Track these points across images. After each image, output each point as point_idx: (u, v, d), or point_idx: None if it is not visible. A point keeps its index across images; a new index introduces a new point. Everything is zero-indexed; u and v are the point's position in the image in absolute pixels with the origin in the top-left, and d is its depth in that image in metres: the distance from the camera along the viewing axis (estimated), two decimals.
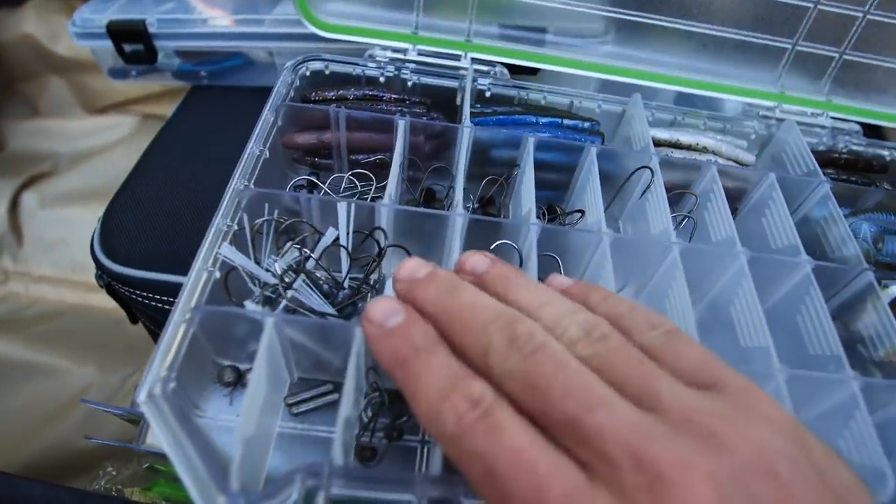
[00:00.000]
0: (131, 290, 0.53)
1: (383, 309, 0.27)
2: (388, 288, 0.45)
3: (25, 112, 0.93)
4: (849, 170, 0.55)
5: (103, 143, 0.92)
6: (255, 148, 0.44)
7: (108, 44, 0.62)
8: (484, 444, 0.21)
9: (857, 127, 0.57)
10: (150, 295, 0.53)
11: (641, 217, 0.47)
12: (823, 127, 0.57)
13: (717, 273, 0.43)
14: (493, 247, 0.41)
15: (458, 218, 0.39)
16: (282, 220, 0.40)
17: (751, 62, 0.56)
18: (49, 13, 0.85)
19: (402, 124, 0.45)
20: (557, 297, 0.26)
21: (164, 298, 0.53)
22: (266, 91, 0.49)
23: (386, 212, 0.40)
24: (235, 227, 0.40)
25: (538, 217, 0.48)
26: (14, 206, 0.84)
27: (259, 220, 0.40)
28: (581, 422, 0.20)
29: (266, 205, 0.40)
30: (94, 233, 0.55)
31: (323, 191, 0.48)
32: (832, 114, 0.57)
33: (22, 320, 0.76)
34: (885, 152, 0.57)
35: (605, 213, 0.47)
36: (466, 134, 0.45)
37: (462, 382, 0.23)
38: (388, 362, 0.26)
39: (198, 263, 0.37)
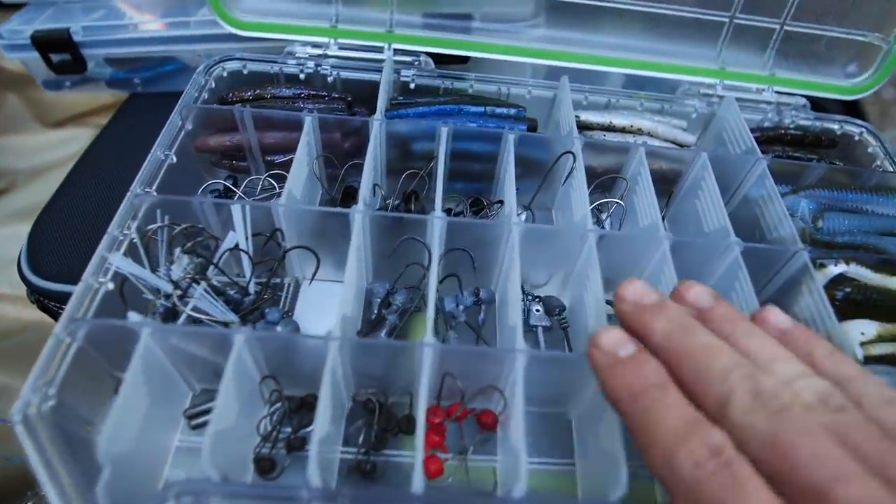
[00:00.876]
0: (58, 305, 0.52)
1: (614, 338, 0.27)
2: (302, 298, 0.43)
3: None
4: (796, 146, 0.53)
5: (60, 158, 0.91)
6: (158, 152, 0.43)
7: (36, 55, 0.61)
8: (723, 495, 0.20)
9: (804, 101, 0.55)
10: None
11: (566, 204, 0.45)
12: (769, 102, 0.55)
13: (644, 260, 0.41)
14: (398, 242, 0.39)
15: (358, 216, 0.37)
16: (175, 226, 0.38)
17: (689, 38, 0.54)
18: None
19: (308, 121, 0.43)
20: (786, 353, 0.25)
21: None
22: None
23: (283, 212, 0.38)
24: (133, 236, 0.38)
25: (462, 210, 0.46)
26: None
27: (151, 227, 0.38)
28: (829, 493, 0.19)
29: (158, 211, 0.38)
30: (20, 249, 0.54)
31: (237, 195, 0.46)
32: (777, 88, 0.55)
33: None
34: (835, 126, 0.54)
35: (536, 202, 0.46)
36: (377, 127, 0.43)
37: (701, 427, 0.22)
38: (618, 393, 0.25)
39: (86, 275, 0.36)
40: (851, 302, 0.39)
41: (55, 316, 0.56)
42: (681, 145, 0.51)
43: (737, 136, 0.50)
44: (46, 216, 0.56)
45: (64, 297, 0.51)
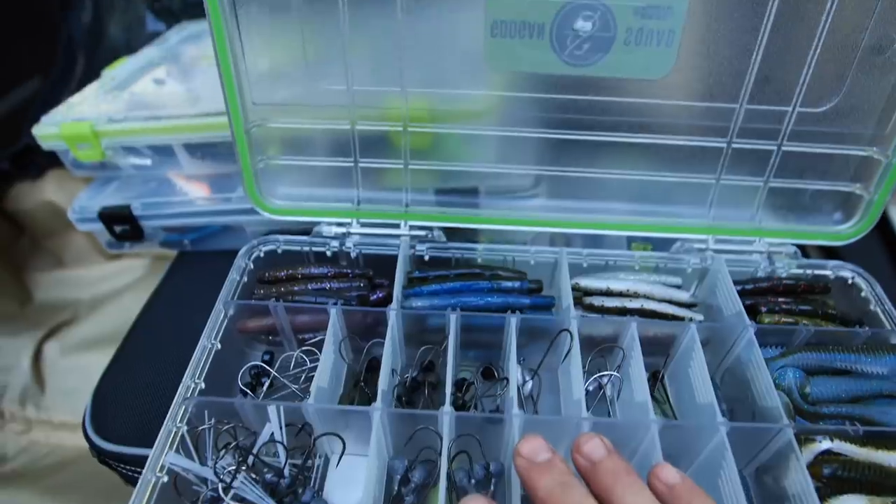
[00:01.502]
0: (117, 464, 0.58)
1: (532, 446, 0.33)
2: (330, 477, 0.48)
3: (51, 264, 1.03)
4: (790, 295, 0.56)
5: (117, 288, 1.00)
6: (206, 342, 0.49)
7: (102, 226, 0.70)
8: None
9: (793, 249, 0.58)
10: (138, 469, 0.58)
11: (567, 378, 0.49)
12: (760, 252, 0.58)
13: (634, 440, 0.44)
14: (412, 433, 0.44)
15: (376, 413, 0.43)
16: (220, 426, 0.44)
17: (680, 200, 0.59)
18: (64, 181, 0.95)
19: (333, 313, 0.49)
20: None
21: None
22: None
23: (312, 410, 0.44)
24: (184, 431, 0.44)
25: (473, 380, 0.51)
26: (37, 356, 0.92)
27: (200, 428, 0.44)
28: None
29: (206, 411, 0.44)
30: (85, 409, 0.61)
31: (271, 376, 0.52)
32: (767, 239, 0.58)
33: (39, 470, 0.82)
34: (827, 272, 0.58)
35: (545, 365, 0.50)
36: (393, 317, 0.49)
37: None
38: (535, 491, 0.32)
39: (146, 471, 0.42)
40: (838, 479, 0.42)
41: (113, 468, 0.63)
42: (677, 304, 0.54)
43: (727, 295, 0.53)
44: (109, 378, 0.63)
45: (124, 458, 0.57)
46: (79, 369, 0.92)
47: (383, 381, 0.45)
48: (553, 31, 0.50)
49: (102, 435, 0.58)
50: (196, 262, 0.74)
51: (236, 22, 0.49)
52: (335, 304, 0.50)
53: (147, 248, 0.76)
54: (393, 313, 0.49)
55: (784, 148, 0.55)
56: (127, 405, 0.60)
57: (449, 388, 0.45)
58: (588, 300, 0.54)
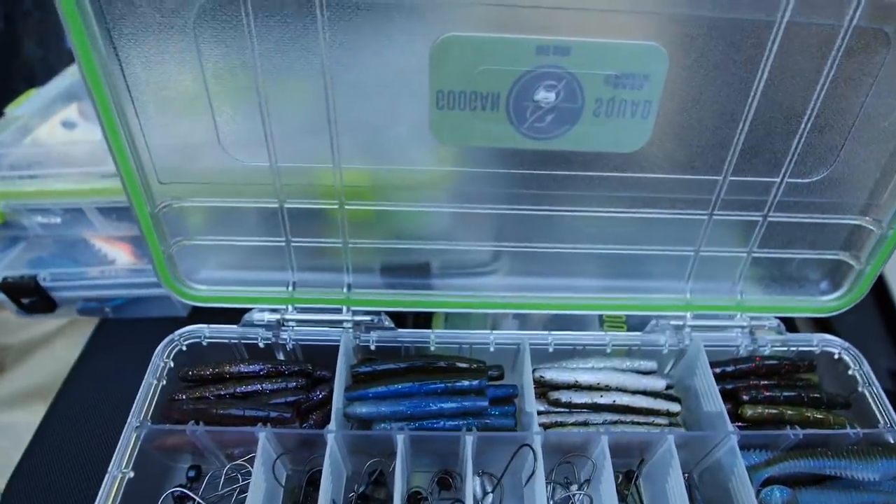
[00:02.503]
0: None
1: None
2: None
3: None
4: (772, 377, 0.51)
5: (47, 332, 0.92)
6: (115, 471, 0.42)
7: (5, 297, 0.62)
8: None
9: (776, 323, 0.53)
10: None
11: (530, 500, 0.43)
12: (741, 327, 0.53)
13: None
14: None
15: None
16: None
17: (656, 273, 0.53)
18: None
19: (262, 437, 0.43)
20: None
21: None
22: (169, 321, 0.51)
23: None
24: None
25: (428, 493, 0.46)
26: None
27: None
28: None
29: None
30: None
31: (195, 502, 0.45)
32: (749, 313, 0.53)
33: None
34: (813, 347, 0.53)
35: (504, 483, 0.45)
36: (332, 440, 0.42)
37: None
38: None
39: None
40: None
41: None
42: (651, 394, 0.49)
43: (706, 386, 0.48)
44: (17, 482, 0.56)
45: None
46: (7, 428, 0.83)
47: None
48: (510, 103, 0.42)
49: None
50: (119, 331, 0.66)
51: (126, 86, 0.41)
52: (266, 423, 0.44)
53: (63, 315, 0.67)
54: (331, 436, 0.43)
55: (770, 218, 0.49)
56: (45, 492, 0.53)
57: None
58: (554, 395, 0.48)
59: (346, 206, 0.48)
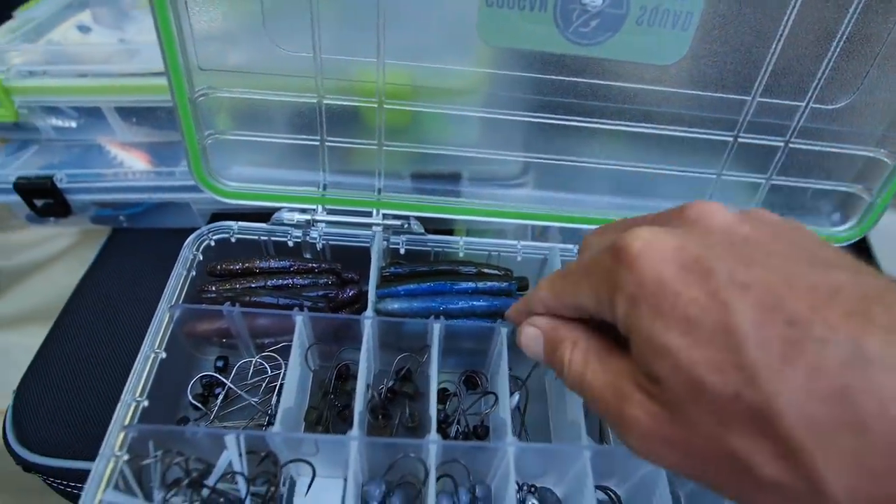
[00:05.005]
0: (45, 477, 0.51)
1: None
2: (297, 501, 0.43)
3: None
4: None
5: (44, 256, 0.89)
6: (147, 351, 0.42)
7: (18, 198, 0.60)
8: None
9: None
10: (66, 482, 0.51)
11: (560, 400, 0.45)
12: None
13: (635, 469, 0.41)
14: (394, 461, 0.39)
15: (354, 443, 0.37)
16: (169, 456, 0.38)
17: (679, 195, 0.54)
18: None
19: (299, 320, 0.43)
20: None
21: (80, 486, 0.51)
22: (186, 232, 0.50)
23: (280, 439, 0.38)
24: (124, 462, 0.38)
25: (457, 388, 0.47)
26: None
27: (144, 462, 0.38)
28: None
29: (150, 443, 0.38)
30: (5, 416, 0.53)
31: (226, 388, 0.46)
32: None
33: None
34: None
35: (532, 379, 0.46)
36: (368, 326, 0.43)
37: None
38: None
39: None
40: None
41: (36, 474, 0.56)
42: None
43: None
44: (31, 378, 0.55)
45: (51, 471, 0.50)
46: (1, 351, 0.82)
47: (360, 402, 0.40)
48: (558, 4, 0.43)
49: (25, 443, 0.51)
50: (133, 241, 0.65)
51: None
52: (302, 309, 0.44)
53: (75, 224, 0.66)
54: (368, 322, 0.43)
55: (791, 145, 0.51)
56: (52, 408, 0.53)
57: (432, 408, 0.40)
58: None
59: (385, 106, 0.48)
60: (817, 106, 0.49)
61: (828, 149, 0.52)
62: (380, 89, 0.47)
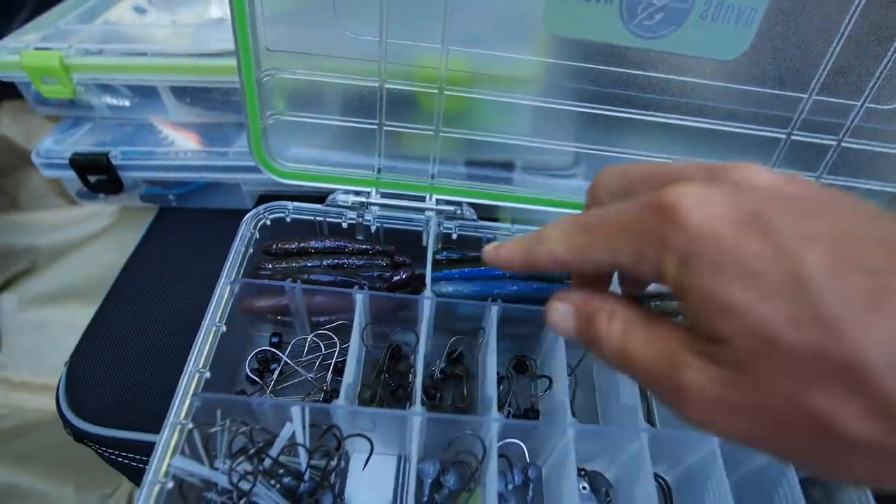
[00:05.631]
0: (97, 447, 0.53)
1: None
2: (351, 478, 0.44)
3: (4, 205, 0.92)
4: None
5: (83, 235, 0.91)
6: (209, 324, 0.43)
7: (73, 173, 0.61)
8: None
9: None
10: (118, 452, 0.52)
11: (612, 384, 0.45)
12: None
13: (696, 448, 0.42)
14: (453, 438, 0.40)
15: (416, 419, 0.38)
16: (235, 425, 0.39)
17: None
18: (21, 114, 0.84)
19: (359, 299, 0.44)
20: None
21: (132, 456, 0.52)
22: (234, 214, 0.50)
23: (342, 413, 0.39)
24: (190, 429, 0.39)
25: (507, 371, 0.47)
26: None
27: (212, 430, 0.39)
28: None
29: (218, 411, 0.39)
30: (58, 387, 0.54)
31: (282, 363, 0.47)
32: None
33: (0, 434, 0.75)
34: None
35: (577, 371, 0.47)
36: (427, 305, 0.44)
37: None
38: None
39: (148, 476, 0.37)
40: None
41: (88, 446, 0.57)
42: None
43: None
44: (83, 352, 0.56)
45: (103, 440, 0.52)
46: (40, 325, 0.83)
47: (419, 380, 0.41)
48: None
49: (78, 412, 0.52)
50: (181, 220, 0.66)
51: None
52: (361, 287, 0.45)
53: (125, 201, 0.67)
54: (427, 302, 0.44)
55: (844, 144, 0.52)
56: (104, 379, 0.54)
57: (490, 389, 0.41)
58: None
59: (445, 93, 0.49)
60: (872, 105, 0.49)
61: (879, 149, 0.52)
62: (441, 76, 0.48)
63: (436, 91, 0.49)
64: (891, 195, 0.55)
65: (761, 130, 0.51)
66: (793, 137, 0.51)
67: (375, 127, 0.51)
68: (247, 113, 0.48)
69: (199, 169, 0.60)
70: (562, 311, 0.29)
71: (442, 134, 0.51)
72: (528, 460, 0.41)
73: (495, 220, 0.56)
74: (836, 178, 0.54)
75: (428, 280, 0.46)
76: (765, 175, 0.24)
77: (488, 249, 0.32)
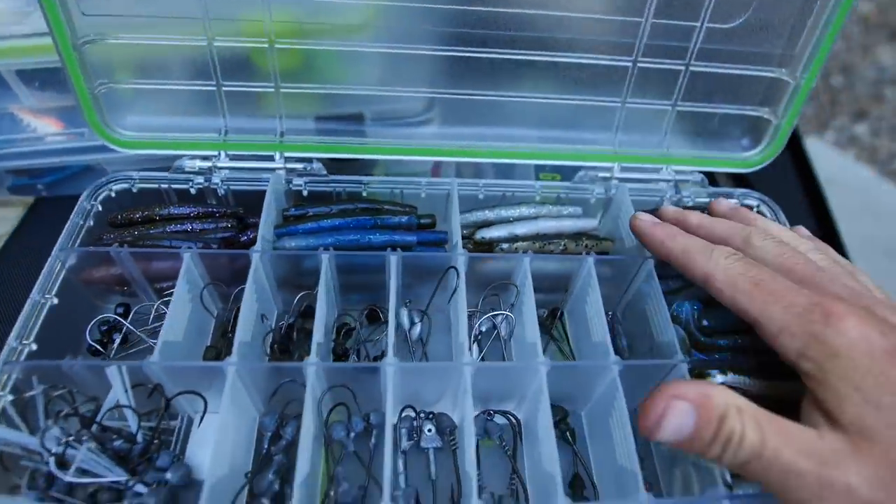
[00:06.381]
0: None
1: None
2: (194, 437, 0.43)
3: None
4: None
5: None
6: (37, 297, 0.42)
7: None
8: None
9: (700, 177, 0.55)
10: None
11: (456, 318, 0.45)
12: (667, 181, 0.55)
13: (524, 383, 0.41)
14: (278, 385, 0.39)
15: (231, 368, 0.37)
16: (50, 393, 0.38)
17: (585, 125, 0.54)
18: None
19: (186, 257, 0.43)
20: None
21: None
22: None
23: (158, 368, 0.38)
24: (8, 399, 0.38)
25: (356, 324, 0.46)
26: None
27: (27, 394, 0.38)
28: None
29: (34, 378, 0.38)
30: None
31: (124, 330, 0.45)
32: (674, 167, 0.55)
33: None
34: (734, 200, 0.55)
35: (434, 305, 0.46)
36: (256, 260, 0.43)
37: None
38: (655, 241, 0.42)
39: None
40: None
41: None
42: (586, 233, 0.51)
43: (628, 228, 0.50)
44: None
45: None
46: None
47: (243, 331, 0.40)
48: None
49: None
50: (54, 209, 0.64)
51: None
52: (189, 247, 0.44)
53: None
54: (257, 255, 0.43)
55: (692, 68, 0.51)
56: None
57: (317, 335, 0.40)
58: (479, 234, 0.49)
59: (277, 45, 0.48)
60: (713, 25, 0.49)
61: (730, 71, 0.51)
62: (269, 29, 0.47)
63: (266, 46, 0.48)
64: (752, 118, 0.55)
65: (608, 60, 0.51)
66: (639, 64, 0.51)
67: (214, 88, 0.50)
68: (71, 82, 0.47)
69: (59, 153, 0.59)
70: (681, 410, 0.29)
71: (283, 90, 0.50)
72: (356, 400, 0.40)
73: (368, 174, 0.55)
74: (691, 104, 0.53)
75: (263, 232, 0.45)
76: None
77: (645, 221, 0.43)
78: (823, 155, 2.10)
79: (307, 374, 0.38)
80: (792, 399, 0.33)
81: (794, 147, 0.77)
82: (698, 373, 0.40)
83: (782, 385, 0.40)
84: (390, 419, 0.37)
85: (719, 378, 0.40)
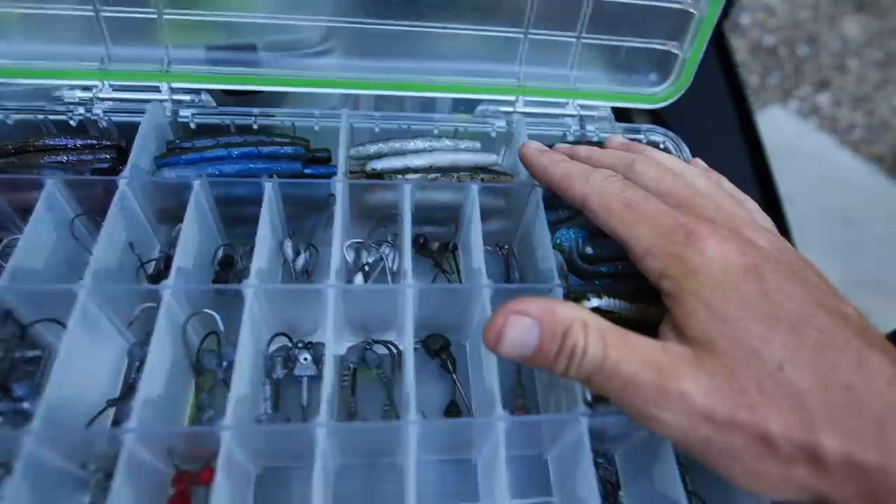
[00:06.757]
0: None
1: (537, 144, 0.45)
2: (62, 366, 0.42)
3: None
4: None
5: None
6: None
7: None
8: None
9: (607, 112, 0.54)
10: None
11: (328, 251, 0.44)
12: (572, 115, 0.54)
13: (397, 308, 0.40)
14: (138, 310, 0.38)
15: (81, 291, 0.36)
16: None
17: (489, 58, 0.53)
18: None
19: (48, 184, 0.41)
20: None
21: None
22: None
23: (4, 291, 0.36)
24: None
25: (237, 256, 0.45)
26: None
27: None
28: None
29: None
30: None
31: None
32: (580, 101, 0.54)
33: None
34: (640, 136, 0.54)
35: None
36: (122, 186, 0.41)
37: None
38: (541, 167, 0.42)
39: None
40: None
41: None
42: (486, 167, 0.50)
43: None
44: None
45: None
46: None
47: (105, 257, 0.38)
48: None
49: None
50: None
51: None
52: (53, 172, 0.42)
53: None
54: (124, 181, 0.41)
55: None
56: None
57: (180, 261, 0.38)
58: (371, 165, 0.48)
59: None
60: None
61: (635, 1, 0.50)
62: None
63: None
64: (660, 52, 0.54)
65: None
66: None
67: (93, 13, 0.47)
68: None
69: None
70: (522, 325, 0.28)
71: (167, 16, 0.48)
72: (221, 328, 0.39)
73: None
74: (596, 37, 0.52)
75: (133, 160, 0.43)
76: (765, 240, 0.31)
77: (532, 148, 0.43)
78: (785, 123, 2.11)
79: (162, 295, 0.36)
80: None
81: (743, 115, 0.76)
82: (574, 296, 0.39)
83: (656, 309, 0.39)
84: (261, 348, 0.36)
85: (594, 302, 0.39)
